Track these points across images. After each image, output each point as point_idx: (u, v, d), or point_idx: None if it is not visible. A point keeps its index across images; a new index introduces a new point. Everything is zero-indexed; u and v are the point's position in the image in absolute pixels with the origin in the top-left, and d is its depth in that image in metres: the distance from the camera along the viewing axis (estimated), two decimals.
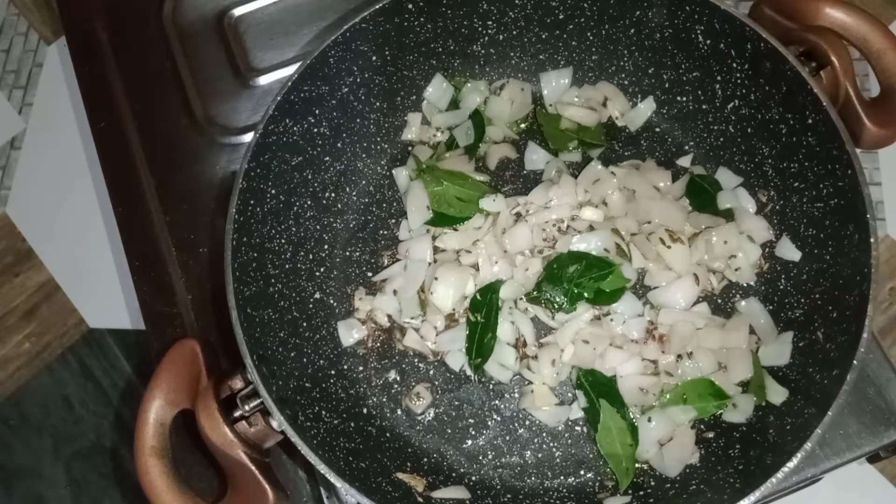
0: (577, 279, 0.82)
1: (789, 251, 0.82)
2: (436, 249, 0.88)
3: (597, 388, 0.80)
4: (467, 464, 0.82)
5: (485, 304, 0.83)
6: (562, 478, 0.80)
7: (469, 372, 0.84)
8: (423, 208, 0.89)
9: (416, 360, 0.86)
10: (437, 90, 0.94)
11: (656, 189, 0.88)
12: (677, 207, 0.86)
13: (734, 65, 0.82)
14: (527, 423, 0.83)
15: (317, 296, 0.88)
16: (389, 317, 0.87)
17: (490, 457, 0.82)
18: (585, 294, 0.81)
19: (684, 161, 0.91)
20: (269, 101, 0.80)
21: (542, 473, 0.81)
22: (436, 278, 0.84)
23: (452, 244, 0.87)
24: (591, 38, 0.91)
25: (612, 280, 0.82)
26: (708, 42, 0.83)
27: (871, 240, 0.69)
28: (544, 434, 0.82)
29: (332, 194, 0.91)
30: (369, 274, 0.90)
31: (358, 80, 0.88)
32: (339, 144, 0.90)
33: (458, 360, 0.84)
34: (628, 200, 0.87)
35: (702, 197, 0.87)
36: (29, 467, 1.08)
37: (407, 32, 0.88)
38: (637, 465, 0.79)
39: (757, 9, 0.85)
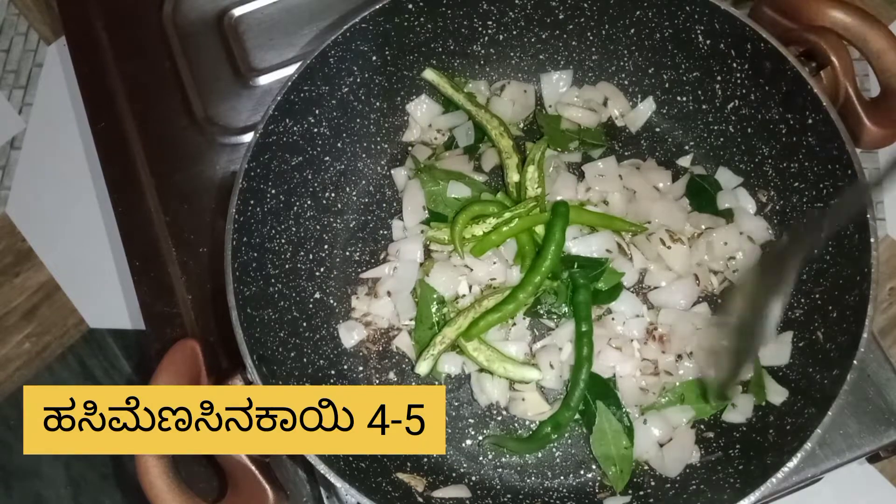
0: (574, 283, 0.82)
1: None
2: (429, 251, 0.88)
3: (593, 389, 0.80)
4: (467, 464, 0.82)
5: None
6: (562, 478, 0.80)
7: (469, 372, 0.84)
8: (420, 208, 0.89)
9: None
10: (421, 109, 0.94)
11: (656, 189, 0.88)
12: (677, 207, 0.86)
13: (734, 65, 0.82)
14: (526, 423, 0.83)
15: (317, 296, 0.88)
16: (387, 319, 0.87)
17: (490, 457, 0.82)
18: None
19: (684, 161, 0.91)
20: (269, 101, 0.80)
21: (542, 473, 0.81)
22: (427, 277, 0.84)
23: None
24: (591, 38, 0.91)
25: (607, 277, 0.82)
26: (708, 42, 0.83)
27: (871, 240, 0.69)
28: None
29: (332, 194, 0.91)
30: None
31: (358, 80, 0.88)
32: (339, 144, 0.90)
33: (456, 362, 0.84)
34: (629, 201, 0.87)
35: (702, 197, 0.87)
36: (29, 467, 1.08)
37: (407, 32, 0.88)
38: (637, 465, 0.79)
39: (757, 9, 0.85)
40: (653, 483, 0.77)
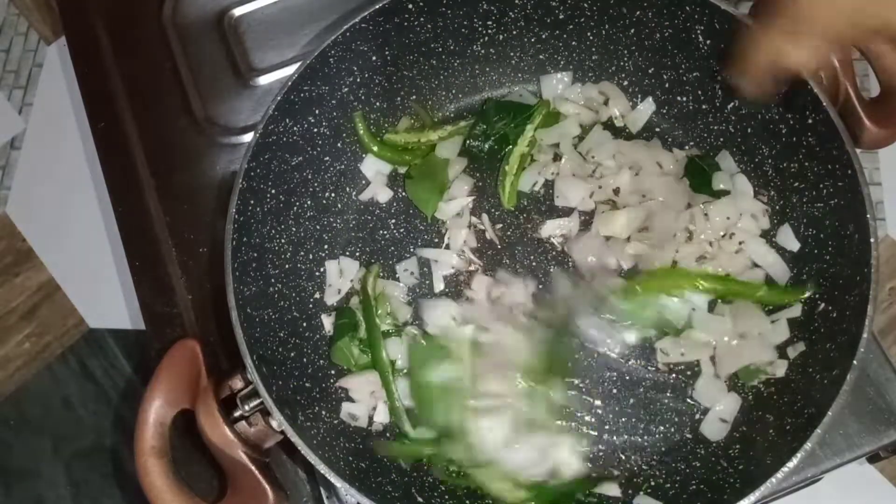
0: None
1: (789, 240, 0.82)
2: None
3: None
4: None
5: None
6: None
7: None
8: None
9: None
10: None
11: (659, 166, 0.88)
12: (677, 181, 0.87)
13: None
14: None
15: (317, 296, 0.88)
16: None
17: None
18: None
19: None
20: (269, 101, 0.80)
21: None
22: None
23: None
24: (591, 38, 0.91)
25: None
26: (708, 42, 0.83)
27: (871, 240, 0.69)
28: None
29: (332, 194, 0.91)
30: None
31: (358, 80, 0.88)
32: (339, 144, 0.90)
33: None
34: (635, 174, 0.88)
35: (701, 178, 0.87)
36: (29, 467, 1.08)
37: (407, 32, 0.88)
38: (637, 466, 0.79)
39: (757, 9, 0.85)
40: (652, 483, 0.77)
